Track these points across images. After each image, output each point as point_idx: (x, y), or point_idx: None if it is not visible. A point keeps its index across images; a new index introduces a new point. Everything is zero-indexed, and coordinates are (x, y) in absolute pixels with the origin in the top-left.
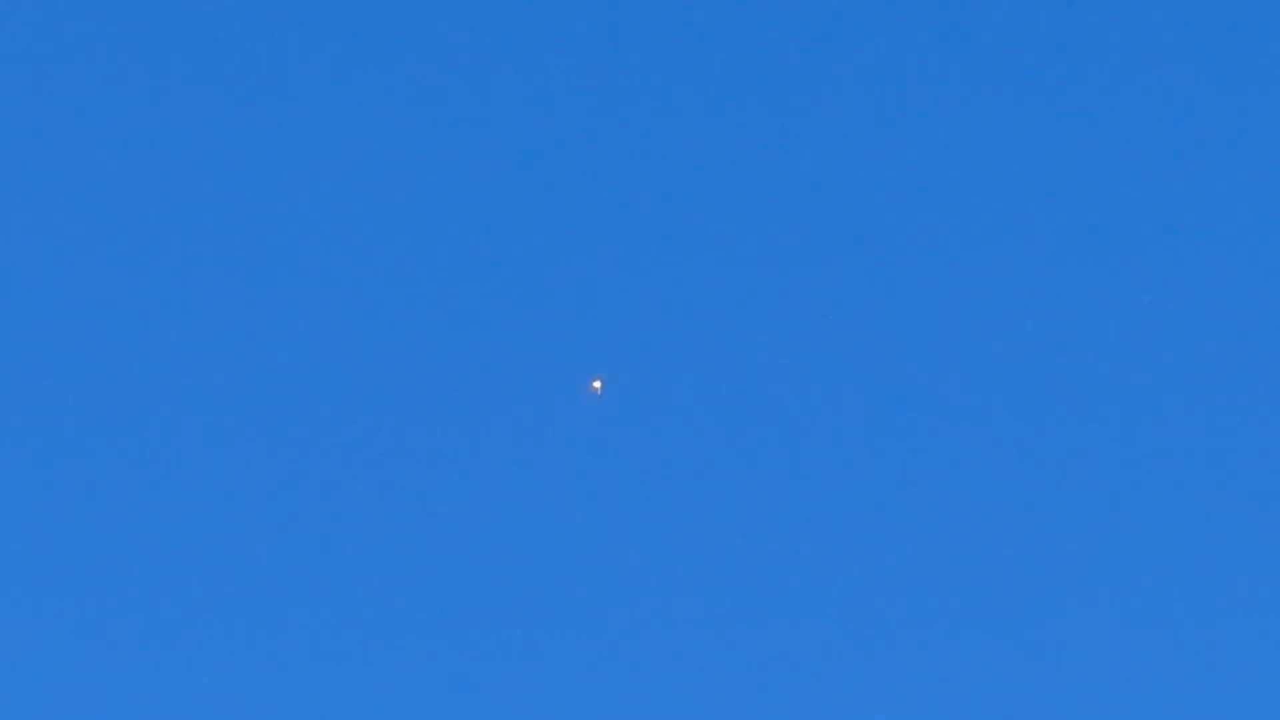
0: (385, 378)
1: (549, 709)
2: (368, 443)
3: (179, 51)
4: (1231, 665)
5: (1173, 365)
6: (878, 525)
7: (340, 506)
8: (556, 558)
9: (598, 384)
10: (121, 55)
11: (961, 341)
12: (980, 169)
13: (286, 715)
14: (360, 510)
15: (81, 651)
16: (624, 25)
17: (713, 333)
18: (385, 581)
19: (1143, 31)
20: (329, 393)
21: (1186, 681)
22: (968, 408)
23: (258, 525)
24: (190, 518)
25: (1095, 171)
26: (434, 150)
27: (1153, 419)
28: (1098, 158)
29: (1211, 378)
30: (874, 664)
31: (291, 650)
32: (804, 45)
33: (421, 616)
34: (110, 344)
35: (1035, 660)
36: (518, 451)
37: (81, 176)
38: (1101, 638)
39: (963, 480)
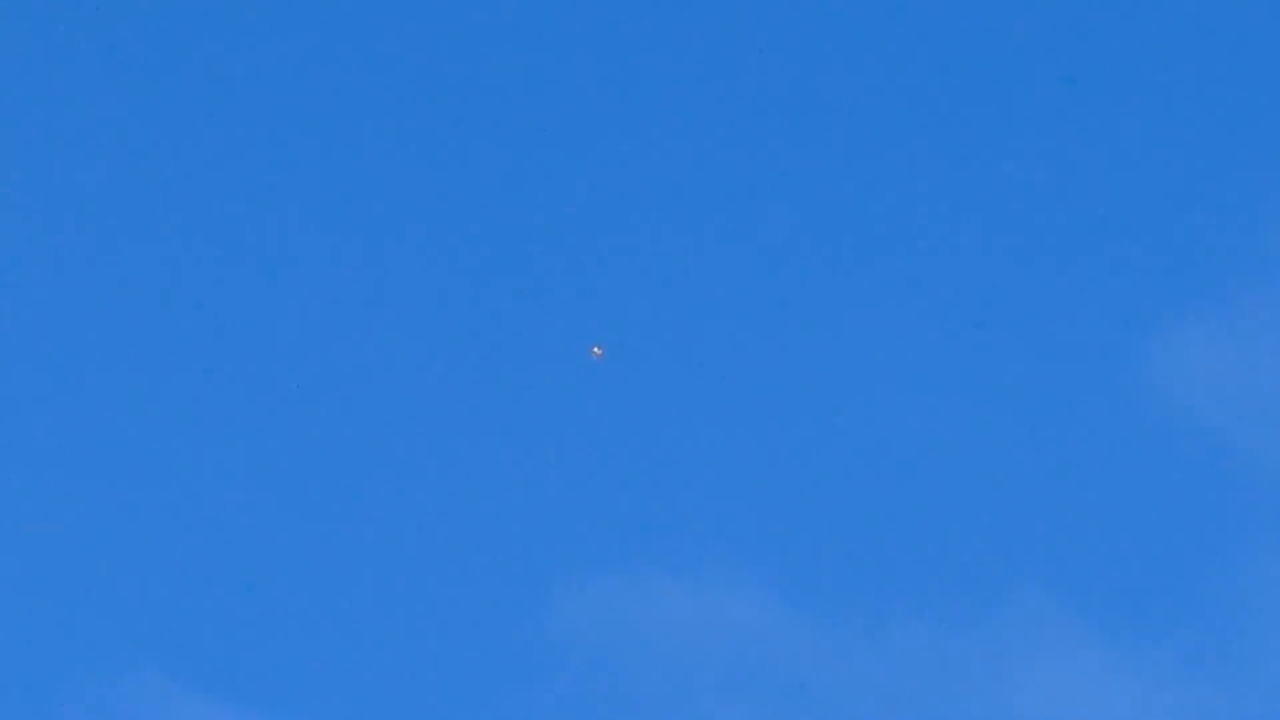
0: (415, 349)
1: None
2: (387, 395)
3: (178, 51)
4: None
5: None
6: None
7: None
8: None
9: (599, 350)
10: (121, 55)
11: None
12: (977, 170)
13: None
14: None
15: (79, 643)
16: (622, 24)
17: (697, 313)
18: (379, 560)
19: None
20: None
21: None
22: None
23: (254, 496)
24: (189, 475)
25: (1090, 172)
26: (436, 146)
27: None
28: (1090, 160)
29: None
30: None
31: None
32: (794, 45)
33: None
34: (108, 342)
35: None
36: (530, 409)
37: (80, 175)
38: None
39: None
